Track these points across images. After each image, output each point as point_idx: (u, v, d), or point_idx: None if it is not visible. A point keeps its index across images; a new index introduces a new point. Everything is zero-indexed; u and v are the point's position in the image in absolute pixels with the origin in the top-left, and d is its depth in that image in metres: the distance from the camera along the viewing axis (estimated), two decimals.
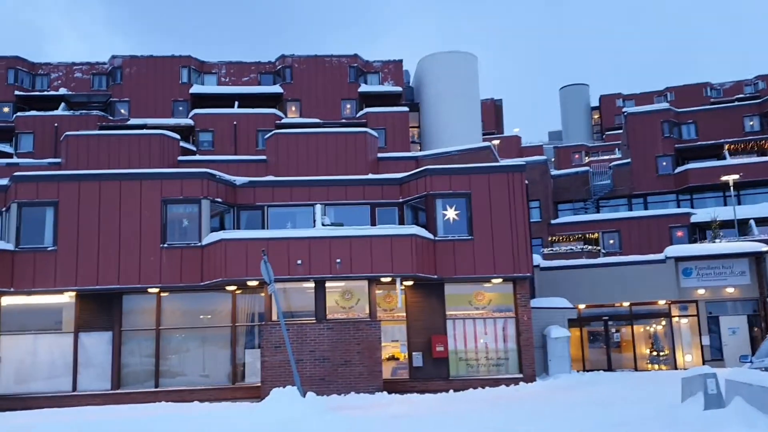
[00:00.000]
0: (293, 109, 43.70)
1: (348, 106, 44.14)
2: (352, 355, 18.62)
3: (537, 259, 26.76)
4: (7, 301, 19.65)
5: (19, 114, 39.73)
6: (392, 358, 20.74)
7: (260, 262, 17.21)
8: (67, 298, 19.80)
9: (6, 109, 42.18)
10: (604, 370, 25.16)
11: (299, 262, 18.59)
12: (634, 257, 28.21)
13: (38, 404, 18.60)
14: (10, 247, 19.25)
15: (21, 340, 19.56)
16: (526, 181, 21.49)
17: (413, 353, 20.43)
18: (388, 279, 19.47)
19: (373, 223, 21.12)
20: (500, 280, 20.67)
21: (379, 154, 25.11)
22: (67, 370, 19.47)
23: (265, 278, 17.06)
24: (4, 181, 20.55)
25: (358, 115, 42.70)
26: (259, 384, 18.68)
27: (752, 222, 36.38)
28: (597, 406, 13.83)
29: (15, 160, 28.87)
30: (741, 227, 37.03)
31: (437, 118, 44.96)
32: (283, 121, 40.06)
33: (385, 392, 18.43)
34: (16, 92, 42.62)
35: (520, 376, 20.38)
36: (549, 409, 13.94)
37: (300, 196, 21.32)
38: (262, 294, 19.39)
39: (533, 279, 22.69)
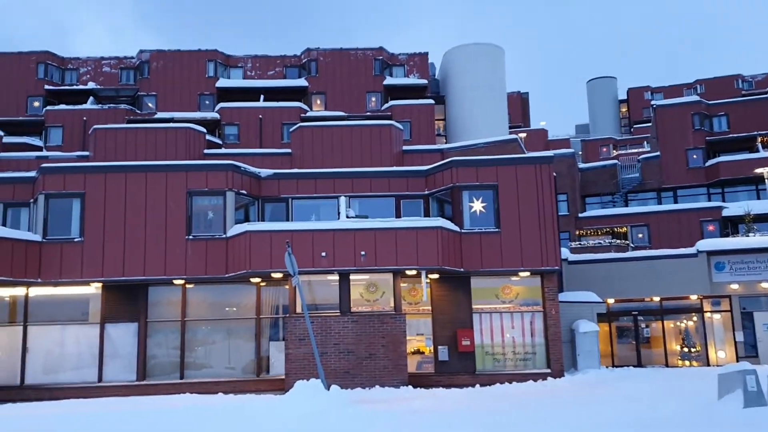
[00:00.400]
0: (318, 102, 43.59)
1: (373, 99, 43.91)
2: (376, 349, 18.45)
3: (565, 252, 26.33)
4: (35, 291, 19.82)
5: (48, 108, 40.16)
6: (417, 351, 20.53)
7: (284, 254, 17.10)
8: (94, 289, 19.91)
9: (36, 104, 42.69)
10: (633, 366, 24.66)
11: (323, 254, 18.46)
12: (664, 251, 27.58)
13: (65, 395, 18.74)
14: (38, 238, 19.39)
15: (48, 331, 19.72)
16: (554, 174, 21.10)
17: (439, 347, 20.21)
18: (414, 272, 19.25)
19: (398, 216, 20.92)
20: (528, 273, 20.33)
21: (404, 147, 24.88)
22: (93, 361, 19.59)
23: (290, 270, 16.95)
24: (33, 173, 20.70)
25: (383, 108, 42.44)
26: (284, 376, 18.60)
27: None
28: (630, 403, 13.47)
29: (44, 153, 29.12)
30: None
31: (463, 110, 44.52)
32: (308, 114, 39.95)
33: (410, 386, 18.23)
34: (46, 86, 43.11)
35: (548, 371, 20.04)
36: (579, 405, 13.62)
37: (324, 188, 21.18)
38: (287, 286, 19.30)
39: (561, 273, 22.30)
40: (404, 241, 18.68)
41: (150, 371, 19.76)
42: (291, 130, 25.24)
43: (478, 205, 20.23)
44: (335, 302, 18.82)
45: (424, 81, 45.41)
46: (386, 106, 42.23)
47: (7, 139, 34.29)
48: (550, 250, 20.02)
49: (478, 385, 19.15)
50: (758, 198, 41.35)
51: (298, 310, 18.38)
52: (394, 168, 21.94)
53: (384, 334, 18.53)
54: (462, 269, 19.75)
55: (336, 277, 18.90)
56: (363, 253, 18.49)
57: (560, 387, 18.22)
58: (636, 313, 26.22)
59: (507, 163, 20.53)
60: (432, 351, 20.33)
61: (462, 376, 19.85)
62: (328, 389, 15.39)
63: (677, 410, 11.36)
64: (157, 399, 17.49)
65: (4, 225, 20.17)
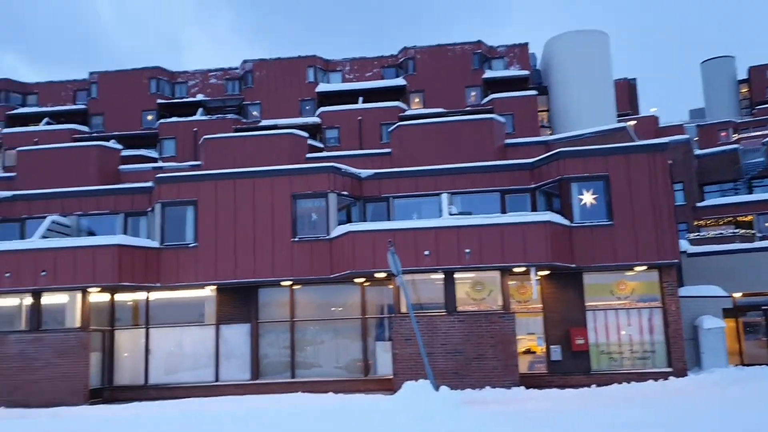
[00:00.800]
0: (417, 100, 43.48)
1: (473, 93, 43.29)
2: (485, 349, 18.01)
3: (683, 244, 24.73)
4: (155, 296, 20.80)
5: (161, 120, 42.31)
6: (528, 351, 19.89)
7: (387, 253, 17.00)
8: (208, 291, 20.65)
9: (150, 117, 45.13)
10: (766, 365, 22.77)
11: (427, 252, 18.21)
12: None
13: (185, 393, 19.52)
14: (156, 244, 20.33)
15: (168, 333, 20.64)
16: (669, 161, 19.84)
17: (551, 346, 19.47)
18: (522, 269, 18.64)
19: (503, 211, 20.33)
20: (644, 267, 19.21)
21: (507, 141, 24.18)
22: (210, 361, 20.31)
23: (393, 270, 16.83)
24: (150, 184, 21.74)
25: (483, 102, 41.75)
26: (391, 377, 18.52)
27: None
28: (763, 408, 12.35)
29: (159, 164, 30.62)
30: None
31: (567, 100, 43.05)
32: (406, 113, 39.91)
33: (522, 387, 17.66)
34: (158, 100, 45.45)
35: (669, 370, 18.86)
36: (711, 407, 12.62)
37: (425, 186, 20.94)
38: (391, 286, 19.21)
39: (680, 266, 20.94)
40: (511, 237, 18.12)
41: (263, 370, 20.25)
42: (390, 129, 25.18)
43: (588, 198, 19.33)
44: (441, 301, 18.53)
45: (526, 72, 44.30)
46: (486, 99, 41.52)
47: (125, 152, 36.40)
48: (667, 242, 18.83)
49: (594, 386, 18.27)
50: None
51: (403, 309, 18.24)
52: (498, 162, 21.36)
53: (493, 334, 18.05)
54: (573, 265, 18.93)
55: (440, 276, 18.62)
56: (468, 250, 18.10)
57: (684, 387, 17.06)
58: (767, 307, 24.26)
59: (618, 153, 19.50)
60: (543, 350, 19.63)
61: (576, 376, 19.04)
62: (438, 390, 15.15)
63: None
64: (271, 398, 17.88)
65: (125, 233, 21.29)
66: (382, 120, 39.07)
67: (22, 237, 21.52)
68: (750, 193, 42.10)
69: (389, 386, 18.45)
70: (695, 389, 16.45)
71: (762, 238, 32.45)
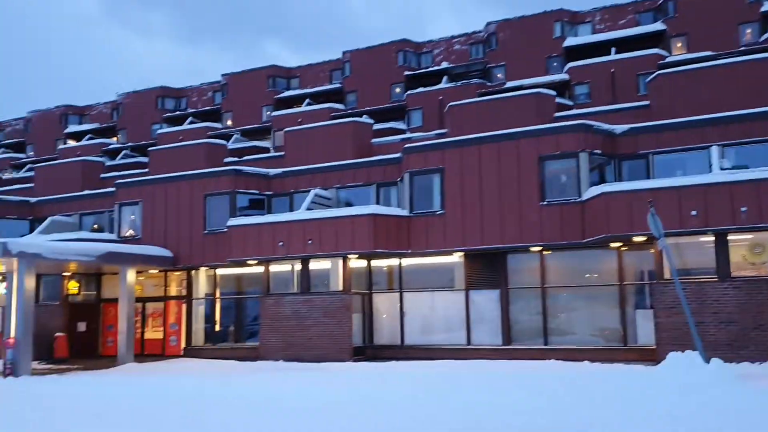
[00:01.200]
0: (679, 45, 39.35)
1: (748, 30, 37.94)
2: (766, 318, 15.82)
3: None
4: (406, 261, 21.66)
5: (408, 92, 43.72)
6: None
7: (647, 215, 15.62)
8: (457, 258, 20.94)
9: (398, 89, 46.87)
10: None
11: (694, 212, 16.40)
12: None
13: (439, 355, 20.14)
14: (406, 213, 21.10)
15: (421, 297, 21.40)
16: None
17: None
18: None
19: None
20: None
21: None
22: (461, 325, 20.65)
23: (654, 232, 15.44)
24: (398, 155, 22.57)
25: (762, 40, 36.45)
26: (653, 346, 17.16)
27: None
28: None
29: (408, 135, 31.72)
30: None
31: None
32: (667, 60, 36.30)
33: None
34: (405, 72, 46.99)
35: None
36: None
37: (690, 139, 18.81)
38: (651, 250, 17.71)
39: None
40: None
41: (514, 336, 20.07)
42: (648, 80, 23.06)
43: None
44: (711, 266, 16.64)
45: None
46: (766, 36, 36.15)
47: (376, 126, 38.32)
48: None
49: None
50: None
51: (666, 275, 16.71)
52: None
53: None
54: None
55: (710, 238, 16.68)
56: (743, 208, 15.93)
57: None
58: None
59: None
60: None
61: None
62: (708, 362, 13.68)
63: None
64: (523, 363, 17.74)
65: (377, 203, 22.43)
66: (638, 70, 35.99)
67: (291, 209, 23.75)
68: None
69: (651, 357, 17.13)
70: None
71: None
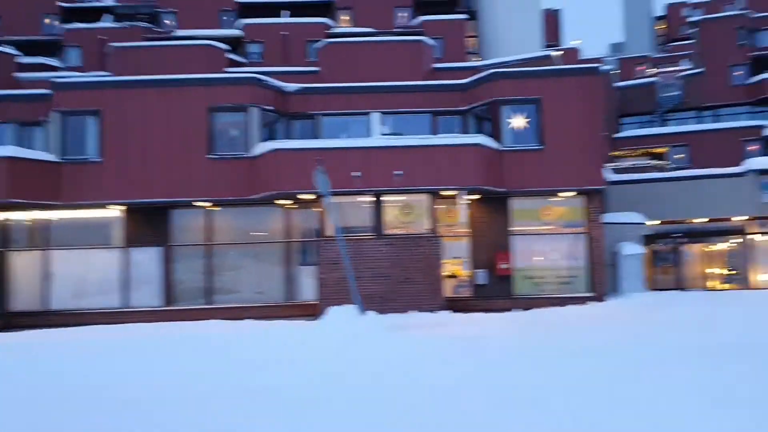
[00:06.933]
0: (346, 17, 41.55)
1: (403, 14, 41.72)
2: (412, 272, 17.60)
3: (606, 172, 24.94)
4: (57, 215, 19.08)
5: (66, 26, 38.68)
6: (453, 275, 19.65)
7: (315, 173, 16.03)
8: (116, 212, 19.13)
9: (48, 20, 41.04)
10: (674, 290, 23.56)
11: (357, 174, 17.36)
12: (711, 170, 25.99)
13: (92, 320, 18.20)
14: (54, 158, 18.48)
15: (72, 256, 19.09)
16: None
17: (476, 270, 19.28)
18: (451, 192, 18.12)
19: (434, 133, 19.61)
20: (572, 193, 19.10)
21: (436, 65, 23.29)
22: (119, 286, 19.01)
23: (321, 190, 15.93)
24: (47, 91, 19.61)
25: (413, 24, 40.36)
26: (315, 302, 17.89)
27: None
28: (687, 328, 12.47)
29: (63, 73, 28.01)
30: None
31: (496, 27, 42.28)
32: (333, 30, 38.06)
33: (447, 311, 17.44)
34: (59, 3, 41.41)
35: (590, 294, 19.10)
36: (632, 330, 12.63)
37: (356, 104, 19.87)
38: (317, 209, 18.35)
39: (605, 193, 21.05)
40: (441, 160, 17.49)
41: (177, 296, 19.16)
42: (316, 47, 23.76)
43: (520, 121, 18.84)
44: (369, 225, 17.87)
45: None
46: (416, 21, 40.14)
47: (22, 60, 33.09)
48: (595, 168, 18.72)
49: (516, 310, 18.28)
50: None
51: (330, 233, 17.48)
52: (431, 82, 20.49)
53: (420, 258, 17.62)
54: (502, 189, 18.57)
55: (369, 199, 17.87)
56: (399, 172, 17.36)
57: (605, 311, 17.27)
58: (679, 234, 24.96)
59: (551, 75, 19.02)
60: (469, 274, 19.44)
61: (500, 301, 18.99)
62: (364, 314, 14.65)
63: (742, 336, 10.29)
64: (184, 324, 16.90)
65: (20, 146, 19.24)
66: (308, 37, 37.03)
67: None
68: (664, 125, 43.22)
69: (313, 312, 17.83)
70: (616, 313, 16.63)
71: (674, 170, 33.37)
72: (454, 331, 13.99)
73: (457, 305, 18.33)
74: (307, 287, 18.85)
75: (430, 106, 19.81)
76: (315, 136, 19.65)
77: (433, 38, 35.18)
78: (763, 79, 40.82)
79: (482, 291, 19.23)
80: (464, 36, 39.77)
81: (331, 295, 17.28)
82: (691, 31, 48.52)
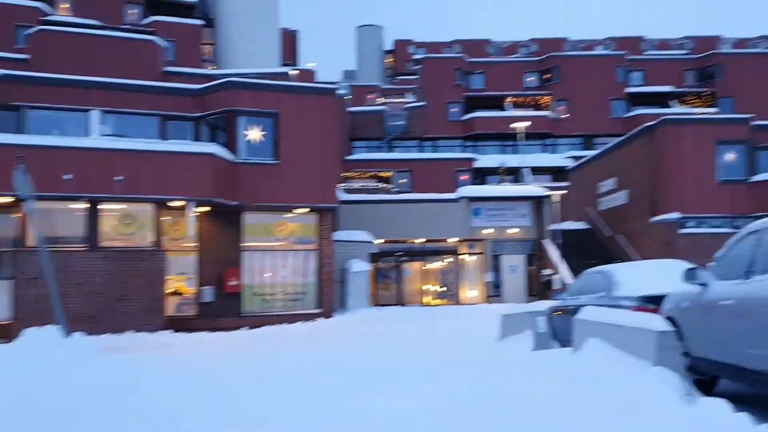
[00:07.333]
0: (65, 5, 37.49)
1: (133, 11, 38.94)
2: (130, 289, 16.03)
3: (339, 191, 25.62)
4: None
5: None
6: (176, 293, 18.40)
7: (15, 172, 13.74)
8: None
9: None
10: (395, 305, 24.94)
11: (68, 176, 15.32)
12: (432, 195, 28.27)
13: None
14: None
15: None
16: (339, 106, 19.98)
17: (203, 288, 18.27)
18: (180, 203, 16.94)
19: (164, 138, 18.25)
20: (305, 209, 19.12)
21: (168, 68, 21.96)
22: None
23: (21, 193, 13.68)
24: None
25: (144, 23, 37.82)
26: (9, 322, 15.36)
27: (524, 170, 38.67)
28: (409, 342, 12.97)
29: None
30: (515, 174, 39.40)
31: (233, 38, 41.52)
32: (50, 17, 34.01)
33: (169, 330, 16.18)
34: None
35: (319, 311, 19.27)
36: (357, 345, 12.77)
37: (72, 99, 17.66)
38: (17, 214, 15.83)
39: (336, 211, 21.50)
40: (171, 167, 16.29)
41: None
42: (27, 33, 20.88)
43: (256, 134, 18.38)
44: (82, 235, 15.89)
45: None
46: (148, 20, 37.68)
47: None
48: (329, 187, 19.02)
49: (245, 328, 17.67)
50: (503, 153, 44.93)
51: (32, 242, 15.16)
52: (160, 84, 19.11)
53: (140, 273, 16.13)
54: (235, 202, 17.89)
55: (84, 206, 15.91)
56: (120, 177, 15.72)
57: (331, 327, 17.51)
58: (400, 253, 26.58)
59: (290, 91, 18.95)
60: (194, 291, 18.35)
61: (227, 319, 18.20)
62: (68, 336, 12.82)
63: (465, 349, 10.94)
64: None
65: None
66: (18, 20, 32.55)
67: None
68: (391, 151, 46.27)
69: (5, 333, 15.25)
70: (341, 328, 16.87)
71: (398, 193, 35.73)
72: (173, 353, 12.89)
73: (180, 325, 17.13)
74: (3, 306, 16.13)
75: (160, 110, 18.41)
76: (19, 131, 17.03)
77: (166, 40, 33.43)
78: (474, 117, 45.89)
79: (209, 309, 18.27)
80: (200, 42, 38.47)
81: (31, 314, 14.94)
82: (416, 67, 52.98)
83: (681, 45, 69.46)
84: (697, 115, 33.34)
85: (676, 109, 43.90)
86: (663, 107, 44.44)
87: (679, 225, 22.14)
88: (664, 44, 70.71)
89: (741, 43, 66.15)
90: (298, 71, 48.02)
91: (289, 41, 68.57)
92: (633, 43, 66.78)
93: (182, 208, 17.31)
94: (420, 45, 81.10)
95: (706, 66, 47.12)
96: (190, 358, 12.14)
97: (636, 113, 44.02)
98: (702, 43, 66.96)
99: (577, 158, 38.45)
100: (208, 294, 18.30)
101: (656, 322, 6.43)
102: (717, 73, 46.30)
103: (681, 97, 46.74)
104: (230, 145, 18.10)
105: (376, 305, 24.11)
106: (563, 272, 23.42)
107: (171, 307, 17.90)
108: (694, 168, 22.10)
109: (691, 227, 22.20)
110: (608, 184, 27.99)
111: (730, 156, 22.32)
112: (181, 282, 18.55)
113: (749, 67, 45.62)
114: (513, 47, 74.42)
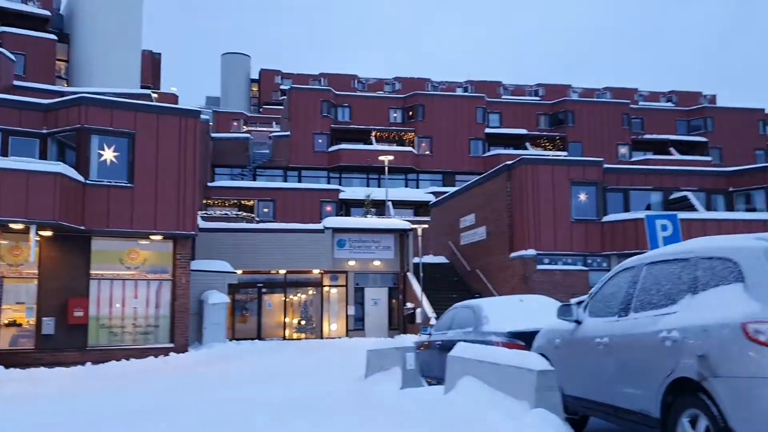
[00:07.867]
0: None
1: None
2: None
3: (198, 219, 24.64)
4: None
5: None
6: (13, 324, 16.79)
7: None
8: None
9: None
10: (254, 339, 24.16)
11: None
12: (295, 225, 27.92)
13: None
14: None
15: None
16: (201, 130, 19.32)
17: (43, 319, 16.78)
18: (20, 226, 15.53)
19: (5, 155, 16.72)
20: (160, 237, 18.17)
21: (16, 82, 20.37)
22: None
23: None
24: None
25: None
26: None
27: (389, 203, 39.43)
28: (267, 380, 12.49)
29: None
30: (378, 207, 40.01)
31: (92, 56, 39.35)
32: None
33: (0, 366, 14.64)
34: None
35: (171, 345, 18.28)
36: (206, 385, 12.08)
37: None
38: None
39: (194, 239, 20.63)
40: (11, 186, 14.94)
41: None
42: None
43: (109, 154, 17.31)
44: None
45: (47, 12, 38.86)
46: None
47: None
48: (188, 213, 18.22)
49: (89, 363, 16.35)
50: (367, 185, 45.59)
51: None
52: (5, 96, 17.58)
53: None
54: (83, 227, 16.67)
55: None
56: None
57: (183, 363, 16.47)
58: (261, 285, 25.91)
59: (149, 111, 18.07)
60: (33, 323, 16.80)
61: (70, 353, 16.84)
62: None
63: (327, 389, 10.56)
64: None
65: None
66: None
67: None
68: (254, 180, 45.46)
69: None
70: (194, 365, 15.91)
71: (260, 222, 35.07)
72: (4, 392, 11.63)
73: (14, 360, 15.59)
74: None
75: (3, 124, 16.90)
76: None
77: (15, 53, 31.04)
78: (340, 149, 46.25)
79: (49, 342, 16.80)
80: (53, 57, 36.10)
81: None
82: (282, 97, 52.78)
83: (535, 91, 74.55)
84: (552, 156, 35.38)
85: (531, 151, 46.79)
86: (518, 148, 47.16)
87: (535, 261, 23.21)
88: (519, 90, 75.56)
89: (588, 92, 72.00)
90: (158, 94, 46.38)
91: (152, 64, 66.16)
92: (491, 87, 70.76)
93: (23, 231, 15.88)
94: (287, 76, 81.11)
95: (558, 112, 50.72)
96: (22, 394, 10.98)
97: (494, 153, 46.37)
98: (553, 90, 72.25)
99: (438, 194, 39.70)
100: (49, 325, 16.82)
101: (535, 361, 6.07)
102: (567, 119, 49.94)
103: (535, 140, 49.83)
104: (81, 165, 16.92)
105: (233, 339, 23.19)
106: (425, 306, 23.82)
107: (6, 339, 16.28)
108: (550, 206, 23.29)
109: (546, 264, 23.35)
110: (469, 219, 28.99)
111: (583, 196, 23.83)
112: (19, 312, 16.96)
113: (594, 115, 49.69)
114: (379, 83, 76.33)
